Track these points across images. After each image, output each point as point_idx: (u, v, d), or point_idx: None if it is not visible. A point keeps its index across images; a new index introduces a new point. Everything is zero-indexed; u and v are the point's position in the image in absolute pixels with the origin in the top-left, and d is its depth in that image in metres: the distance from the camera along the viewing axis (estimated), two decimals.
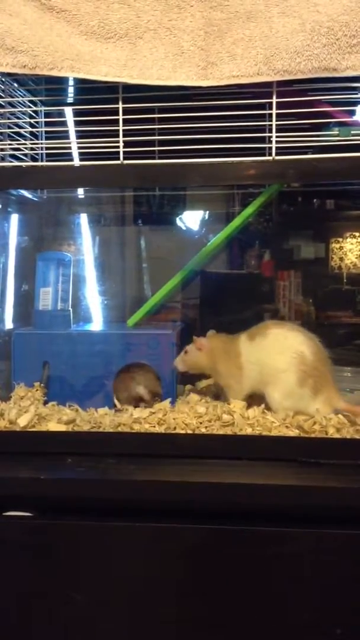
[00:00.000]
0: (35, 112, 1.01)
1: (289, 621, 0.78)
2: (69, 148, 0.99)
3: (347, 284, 1.45)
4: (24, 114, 1.00)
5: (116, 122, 0.88)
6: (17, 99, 0.98)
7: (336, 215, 1.46)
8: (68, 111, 1.02)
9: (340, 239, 1.46)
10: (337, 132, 0.86)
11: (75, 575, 0.80)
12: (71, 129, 1.02)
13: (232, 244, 1.36)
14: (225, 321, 1.20)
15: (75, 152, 0.99)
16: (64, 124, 1.02)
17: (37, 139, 1.02)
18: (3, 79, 0.94)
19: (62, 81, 0.96)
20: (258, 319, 1.08)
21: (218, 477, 0.80)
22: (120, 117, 0.88)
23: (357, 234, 1.47)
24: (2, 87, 0.94)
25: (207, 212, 1.34)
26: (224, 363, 0.98)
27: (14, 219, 1.27)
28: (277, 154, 0.86)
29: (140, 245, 1.37)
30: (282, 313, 1.35)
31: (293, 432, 0.87)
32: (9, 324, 1.23)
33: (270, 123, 0.87)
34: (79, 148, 0.98)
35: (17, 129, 0.98)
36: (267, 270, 1.40)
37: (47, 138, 1.02)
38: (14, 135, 0.98)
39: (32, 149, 1.00)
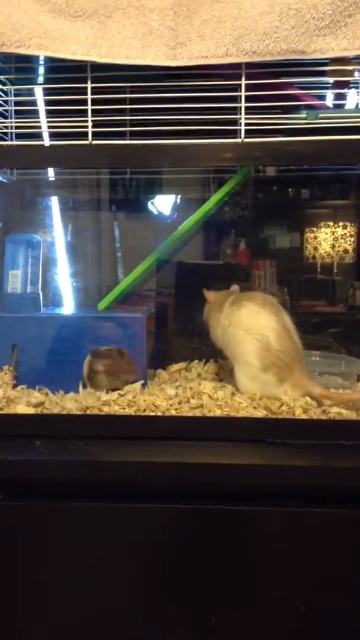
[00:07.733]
0: (4, 91, 1.00)
1: (256, 598, 0.79)
2: (39, 128, 0.97)
3: (321, 273, 1.47)
4: None
5: (86, 102, 0.87)
6: None
7: (311, 204, 1.48)
8: (38, 90, 1.00)
9: (315, 229, 1.47)
10: (305, 115, 0.87)
11: (44, 557, 0.80)
12: (41, 108, 1.00)
13: (208, 233, 1.36)
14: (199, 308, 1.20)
15: (45, 133, 0.98)
16: (34, 103, 1.00)
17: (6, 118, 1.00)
18: None
19: (31, 60, 0.94)
20: None
21: (187, 458, 0.80)
22: (89, 96, 0.87)
23: (331, 224, 1.48)
24: None
25: (180, 196, 1.34)
26: (211, 315, 1.02)
27: None
28: (249, 138, 0.86)
29: (112, 229, 1.36)
30: None
31: (261, 413, 0.88)
32: None
33: (240, 105, 0.87)
34: (50, 128, 0.97)
35: None
36: (243, 259, 1.41)
37: (17, 118, 1.01)
38: None
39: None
